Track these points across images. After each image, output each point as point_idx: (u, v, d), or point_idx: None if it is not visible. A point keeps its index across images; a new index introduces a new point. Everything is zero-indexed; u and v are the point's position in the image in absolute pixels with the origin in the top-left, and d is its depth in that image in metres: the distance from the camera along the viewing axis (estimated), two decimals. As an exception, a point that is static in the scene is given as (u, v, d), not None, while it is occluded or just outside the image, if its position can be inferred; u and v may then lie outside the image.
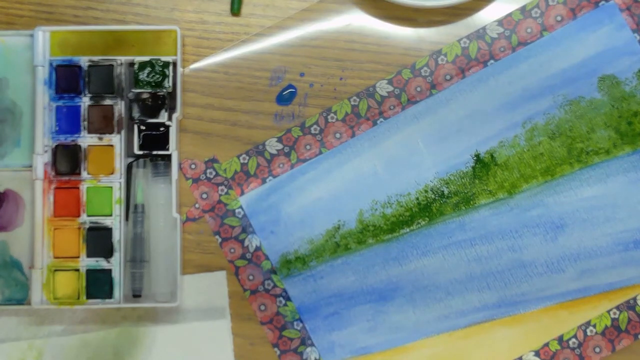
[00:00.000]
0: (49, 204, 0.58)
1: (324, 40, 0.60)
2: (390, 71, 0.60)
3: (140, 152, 0.58)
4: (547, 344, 0.59)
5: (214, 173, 0.60)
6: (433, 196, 0.59)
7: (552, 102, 0.59)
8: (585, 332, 0.59)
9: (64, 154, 0.58)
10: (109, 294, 0.58)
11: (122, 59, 0.58)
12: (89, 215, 0.58)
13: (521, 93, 0.59)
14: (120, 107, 0.59)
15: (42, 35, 0.58)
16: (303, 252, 0.59)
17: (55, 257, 0.58)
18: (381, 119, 0.60)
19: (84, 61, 0.58)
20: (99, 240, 0.58)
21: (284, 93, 0.60)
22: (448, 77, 0.60)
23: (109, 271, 0.58)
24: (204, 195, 0.60)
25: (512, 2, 0.60)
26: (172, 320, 0.59)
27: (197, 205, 0.60)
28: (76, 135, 0.58)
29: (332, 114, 0.60)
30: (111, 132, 0.58)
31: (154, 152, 0.58)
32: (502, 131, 0.59)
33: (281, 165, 0.60)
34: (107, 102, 0.58)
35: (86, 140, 0.58)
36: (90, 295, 0.58)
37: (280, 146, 0.60)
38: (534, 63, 0.60)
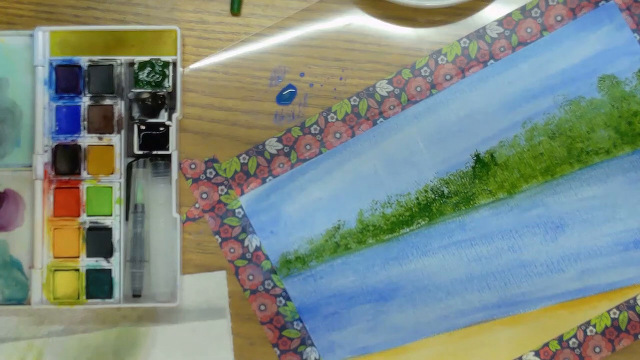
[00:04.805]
0: (49, 203, 0.58)
1: (324, 40, 0.60)
2: (390, 71, 0.60)
3: (140, 152, 0.58)
4: (547, 344, 0.59)
5: (214, 173, 0.60)
6: (433, 196, 0.59)
7: (552, 102, 0.59)
8: (585, 332, 0.59)
9: (64, 154, 0.58)
10: (108, 294, 0.58)
11: (122, 58, 0.58)
12: (89, 215, 0.58)
13: (521, 93, 0.59)
14: (120, 107, 0.59)
15: (42, 35, 0.58)
16: (303, 252, 0.59)
17: (55, 257, 0.58)
18: (381, 119, 0.60)
19: (84, 61, 0.58)
20: (99, 240, 0.58)
21: (284, 93, 0.60)
22: (448, 77, 0.60)
23: (109, 271, 0.58)
24: (204, 195, 0.60)
25: (512, 2, 0.60)
26: (172, 320, 0.59)
27: (197, 205, 0.60)
28: (76, 135, 0.58)
29: (332, 114, 0.60)
30: (111, 132, 0.58)
31: (154, 152, 0.58)
32: (502, 131, 0.59)
33: (281, 165, 0.60)
34: (107, 102, 0.58)
35: (86, 140, 0.58)
36: (90, 295, 0.58)
37: (280, 146, 0.60)
38: (534, 63, 0.60)
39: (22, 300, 0.58)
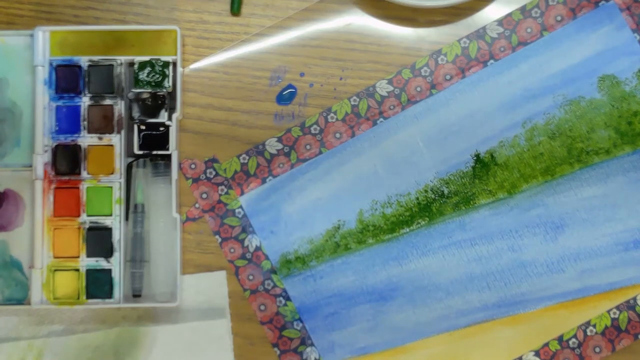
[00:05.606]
0: (49, 203, 0.58)
1: (324, 40, 0.60)
2: (390, 71, 0.60)
3: (140, 152, 0.58)
4: (547, 344, 0.59)
5: (214, 173, 0.60)
6: (433, 196, 0.59)
7: (552, 102, 0.59)
8: (585, 332, 0.59)
9: (64, 154, 0.58)
10: (109, 294, 0.58)
11: (122, 58, 0.58)
12: (88, 215, 0.58)
13: (521, 93, 0.59)
14: (120, 107, 0.59)
15: (42, 35, 0.58)
16: (303, 252, 0.59)
17: (55, 257, 0.58)
18: (381, 119, 0.60)
19: (84, 61, 0.58)
20: (99, 240, 0.58)
21: (284, 93, 0.60)
22: (448, 77, 0.60)
23: (109, 271, 0.58)
24: (204, 195, 0.60)
25: (512, 2, 0.60)
26: (172, 320, 0.59)
27: (197, 205, 0.60)
28: (76, 135, 0.58)
29: (332, 114, 0.60)
30: (111, 132, 0.58)
31: (154, 152, 0.58)
32: (502, 131, 0.59)
33: (281, 165, 0.60)
34: (107, 102, 0.58)
35: (86, 140, 0.58)
36: (90, 295, 0.58)
37: (280, 146, 0.60)
38: (534, 63, 0.60)
39: (22, 300, 0.58)
